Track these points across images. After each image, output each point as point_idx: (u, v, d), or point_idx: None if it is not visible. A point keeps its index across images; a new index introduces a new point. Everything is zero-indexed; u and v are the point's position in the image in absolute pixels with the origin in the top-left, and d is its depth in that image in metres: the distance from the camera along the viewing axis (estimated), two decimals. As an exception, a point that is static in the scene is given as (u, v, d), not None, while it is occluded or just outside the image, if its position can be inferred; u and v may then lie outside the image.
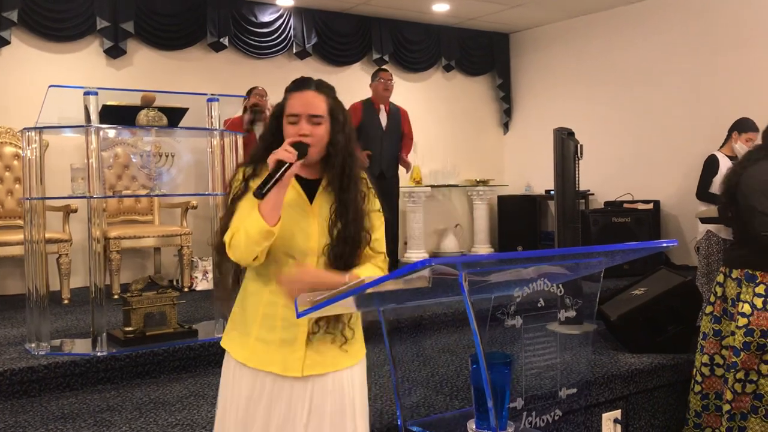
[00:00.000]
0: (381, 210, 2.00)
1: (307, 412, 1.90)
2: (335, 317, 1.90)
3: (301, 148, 1.82)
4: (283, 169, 1.77)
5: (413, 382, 3.13)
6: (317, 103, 1.90)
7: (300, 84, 1.94)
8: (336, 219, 1.89)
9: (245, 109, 5.78)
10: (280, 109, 1.95)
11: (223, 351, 2.02)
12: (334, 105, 1.94)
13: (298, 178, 1.91)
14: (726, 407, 3.44)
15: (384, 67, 6.54)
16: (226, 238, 1.86)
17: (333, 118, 1.92)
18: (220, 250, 1.90)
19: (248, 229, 1.79)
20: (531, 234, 7.74)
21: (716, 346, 3.57)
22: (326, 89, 1.95)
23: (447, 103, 8.15)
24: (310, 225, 1.90)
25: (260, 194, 1.76)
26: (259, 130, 5.76)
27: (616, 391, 3.70)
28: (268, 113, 5.70)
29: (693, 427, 3.69)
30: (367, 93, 6.20)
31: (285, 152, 1.79)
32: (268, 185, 1.76)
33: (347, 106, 2.04)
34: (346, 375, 1.96)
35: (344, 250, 1.88)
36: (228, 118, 5.66)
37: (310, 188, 1.94)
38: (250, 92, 5.83)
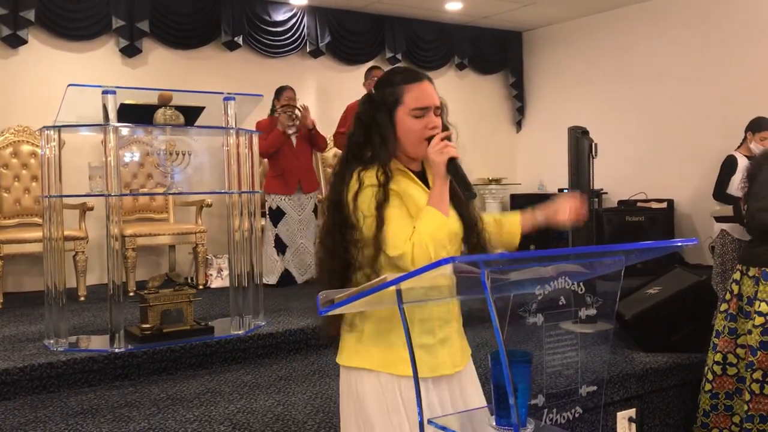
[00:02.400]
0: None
1: (476, 395, 1.92)
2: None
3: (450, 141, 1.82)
4: (458, 163, 1.77)
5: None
6: (436, 95, 1.87)
7: (416, 76, 1.87)
8: (460, 206, 1.87)
9: (273, 110, 5.81)
10: (393, 101, 1.84)
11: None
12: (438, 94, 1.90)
13: (411, 172, 1.87)
14: (744, 407, 3.41)
15: (376, 65, 6.53)
16: (406, 249, 1.71)
17: (443, 108, 1.90)
18: (370, 267, 1.77)
19: (435, 235, 1.72)
20: (544, 233, 7.62)
21: (731, 344, 3.54)
22: (431, 80, 1.91)
23: (460, 102, 8.14)
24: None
25: (473, 194, 1.76)
26: (291, 129, 5.76)
27: (631, 390, 3.70)
28: (300, 115, 5.72)
29: (700, 426, 3.66)
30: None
31: (452, 149, 1.78)
32: (463, 182, 1.75)
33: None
34: (471, 362, 2.00)
35: (478, 239, 1.87)
36: (259, 120, 5.71)
37: (424, 182, 1.89)
38: (279, 93, 5.84)
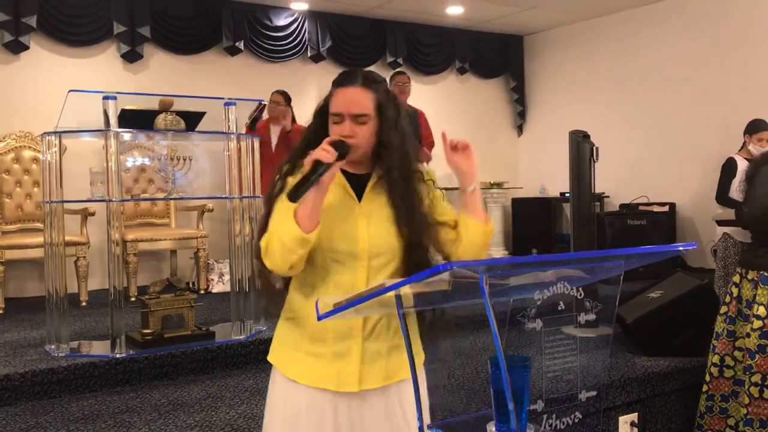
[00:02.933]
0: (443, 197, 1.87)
1: (374, 419, 1.78)
2: (387, 322, 1.77)
3: (341, 148, 1.67)
4: (320, 170, 1.63)
5: (432, 384, 3.15)
6: (362, 101, 1.73)
7: (344, 79, 1.77)
8: (400, 224, 1.75)
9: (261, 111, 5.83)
10: (324, 104, 1.79)
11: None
12: (384, 100, 1.76)
13: (344, 173, 1.77)
14: (743, 411, 3.40)
15: (399, 69, 6.56)
16: (262, 243, 1.71)
17: (382, 116, 1.75)
18: (258, 255, 1.75)
19: (282, 237, 1.65)
20: (545, 237, 7.73)
21: (728, 346, 3.53)
22: (374, 83, 1.76)
23: (461, 106, 8.16)
24: (358, 226, 1.75)
25: (294, 197, 1.63)
26: (275, 132, 5.78)
27: (633, 394, 3.69)
28: (284, 115, 5.73)
29: (696, 428, 3.65)
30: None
31: (323, 152, 1.64)
32: (303, 187, 1.62)
33: None
34: (407, 386, 1.76)
35: (417, 258, 1.74)
36: (259, 124, 5.73)
37: (358, 184, 1.78)
38: (272, 95, 5.88)
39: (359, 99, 1.74)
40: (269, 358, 1.88)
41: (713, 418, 3.57)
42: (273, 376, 1.86)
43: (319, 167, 1.63)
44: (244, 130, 5.64)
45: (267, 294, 1.89)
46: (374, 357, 1.77)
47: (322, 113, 1.80)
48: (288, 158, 1.84)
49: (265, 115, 5.83)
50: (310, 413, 1.76)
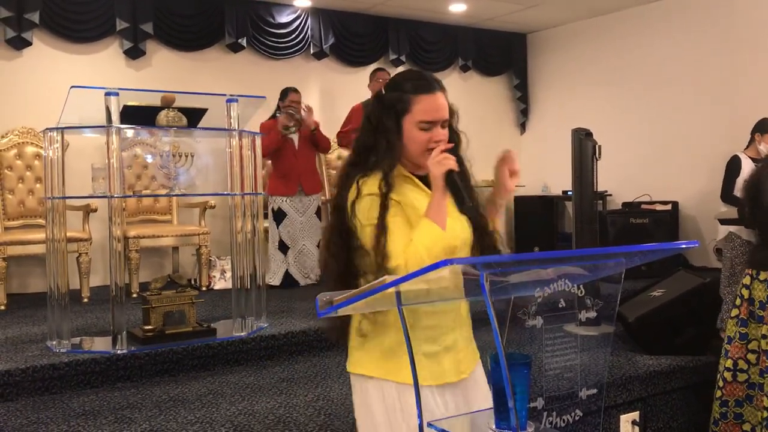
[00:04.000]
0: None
1: (482, 401, 1.84)
2: (465, 308, 1.88)
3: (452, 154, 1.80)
4: (456, 177, 1.76)
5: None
6: (446, 107, 1.84)
7: (429, 85, 1.83)
8: (472, 212, 1.84)
9: (277, 111, 5.81)
10: (402, 108, 1.81)
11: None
12: (449, 101, 1.87)
13: (415, 175, 1.86)
14: (764, 414, 3.31)
15: (381, 67, 6.52)
16: (400, 261, 1.69)
17: (451, 116, 1.88)
18: (376, 275, 1.70)
19: (431, 248, 1.69)
20: (548, 235, 7.72)
21: (742, 350, 3.46)
22: (444, 87, 1.87)
23: (463, 104, 7.97)
24: (453, 222, 1.81)
25: (467, 209, 1.79)
26: (294, 135, 5.76)
27: (634, 392, 3.68)
28: (303, 117, 5.70)
29: None
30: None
31: (451, 162, 1.76)
32: (465, 196, 1.77)
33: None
34: (480, 366, 1.96)
35: (485, 240, 1.87)
36: (264, 122, 5.71)
37: (426, 185, 1.85)
38: (284, 95, 5.83)
39: (445, 105, 1.84)
40: (362, 370, 1.84)
41: (728, 425, 3.50)
42: (378, 388, 1.82)
43: (453, 176, 1.76)
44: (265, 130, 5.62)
45: (334, 326, 1.89)
46: (467, 341, 1.91)
47: (397, 118, 1.81)
48: (370, 173, 1.80)
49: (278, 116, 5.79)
50: (440, 409, 1.80)
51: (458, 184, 1.77)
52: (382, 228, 1.74)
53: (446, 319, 1.83)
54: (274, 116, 5.83)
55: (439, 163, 1.75)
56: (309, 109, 5.79)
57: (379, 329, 1.81)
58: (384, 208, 1.75)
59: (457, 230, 1.82)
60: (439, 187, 1.76)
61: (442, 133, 1.82)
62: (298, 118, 5.70)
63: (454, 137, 1.90)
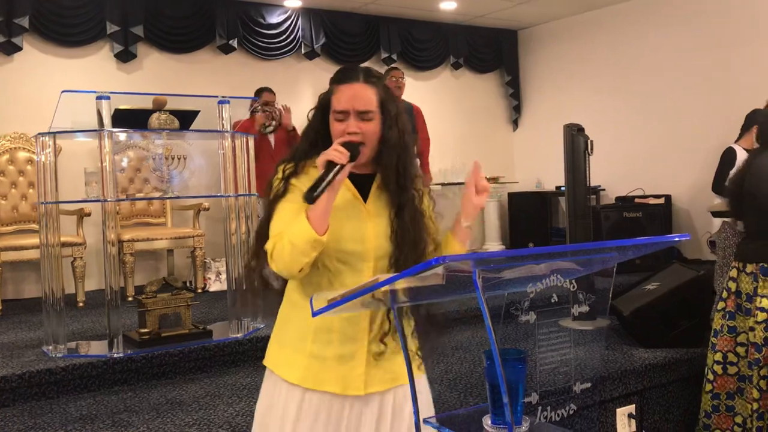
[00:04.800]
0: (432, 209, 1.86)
1: (370, 427, 1.76)
2: (389, 324, 1.74)
3: (352, 149, 1.66)
4: (334, 171, 1.62)
5: (428, 378, 3.17)
6: (367, 97, 1.71)
7: (347, 75, 1.75)
8: (396, 222, 1.73)
9: (253, 111, 5.80)
10: (326, 102, 1.76)
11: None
12: (385, 96, 1.75)
13: (349, 174, 1.73)
14: (753, 405, 3.35)
15: (394, 65, 6.55)
16: (268, 246, 1.68)
17: (384, 112, 1.73)
18: (258, 256, 1.72)
19: (294, 239, 1.62)
20: (542, 230, 7.73)
21: (730, 342, 3.49)
22: (375, 79, 1.75)
23: (456, 101, 8.16)
24: (365, 226, 1.73)
25: (311, 198, 1.60)
26: (271, 135, 5.77)
27: (630, 386, 3.70)
28: (279, 114, 5.71)
29: (702, 428, 3.63)
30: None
31: (336, 153, 1.62)
32: (320, 188, 1.61)
33: None
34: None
35: (408, 255, 1.71)
36: (237, 121, 5.69)
37: (362, 185, 1.77)
38: (259, 94, 5.85)
39: (364, 95, 1.72)
40: (266, 362, 1.84)
41: (720, 417, 3.53)
42: (269, 379, 1.83)
43: (332, 168, 1.62)
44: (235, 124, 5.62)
45: (264, 294, 1.88)
46: (379, 360, 1.76)
47: (323, 111, 1.78)
48: (289, 158, 1.80)
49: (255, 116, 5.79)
50: (311, 416, 1.74)
51: (324, 176, 1.62)
52: (270, 210, 1.74)
53: (343, 325, 1.73)
54: (251, 115, 5.83)
55: (325, 154, 1.64)
56: (287, 109, 5.79)
57: (279, 318, 1.83)
58: (283, 192, 1.73)
59: (361, 236, 1.73)
60: (323, 178, 1.64)
61: (356, 125, 1.70)
62: (276, 116, 5.71)
63: (392, 138, 1.75)
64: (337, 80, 1.76)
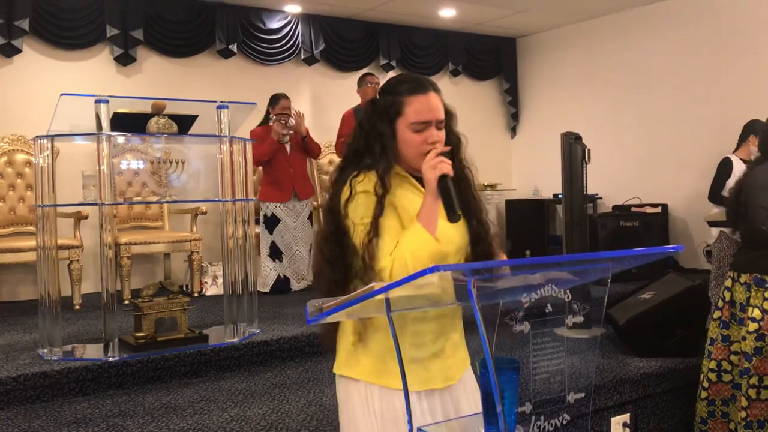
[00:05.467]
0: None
1: (470, 406, 1.86)
2: (454, 314, 1.85)
3: (448, 157, 1.75)
4: (450, 182, 1.70)
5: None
6: (441, 107, 1.81)
7: (421, 86, 1.80)
8: (465, 219, 1.81)
9: (267, 118, 5.81)
10: (395, 111, 1.79)
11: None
12: (445, 103, 1.84)
13: (413, 176, 1.82)
14: (742, 414, 3.39)
15: (370, 72, 6.54)
16: (385, 264, 1.69)
17: (448, 118, 1.84)
18: (365, 277, 1.72)
19: (416, 253, 1.66)
20: (539, 238, 7.74)
21: (724, 351, 3.53)
22: (438, 88, 1.84)
23: (454, 108, 8.16)
24: (445, 225, 1.76)
25: (457, 216, 1.68)
26: (286, 139, 5.77)
27: (625, 395, 3.70)
28: (295, 123, 5.72)
29: None
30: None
31: (446, 165, 1.71)
32: (455, 203, 1.68)
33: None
34: (469, 372, 1.95)
35: (485, 249, 1.84)
36: (255, 128, 5.71)
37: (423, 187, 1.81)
38: (274, 101, 5.82)
39: (439, 105, 1.81)
40: (355, 374, 1.83)
41: (716, 423, 3.57)
42: (357, 391, 1.83)
43: (446, 181, 1.70)
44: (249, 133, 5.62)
45: (327, 328, 1.90)
46: (456, 347, 1.89)
47: (390, 120, 1.79)
48: (363, 172, 1.78)
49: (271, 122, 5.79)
50: (424, 415, 1.80)
51: (449, 190, 1.70)
52: (374, 228, 1.72)
53: (433, 325, 1.81)
54: (264, 123, 5.83)
55: (433, 167, 1.71)
56: (300, 116, 5.80)
57: (370, 332, 1.81)
58: (379, 208, 1.74)
59: (450, 236, 1.79)
60: (431, 191, 1.72)
61: (437, 135, 1.78)
62: (291, 125, 5.72)
63: (453, 140, 1.87)
64: (410, 91, 1.79)
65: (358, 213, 1.75)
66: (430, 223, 1.71)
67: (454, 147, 1.85)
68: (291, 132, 5.75)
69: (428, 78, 1.87)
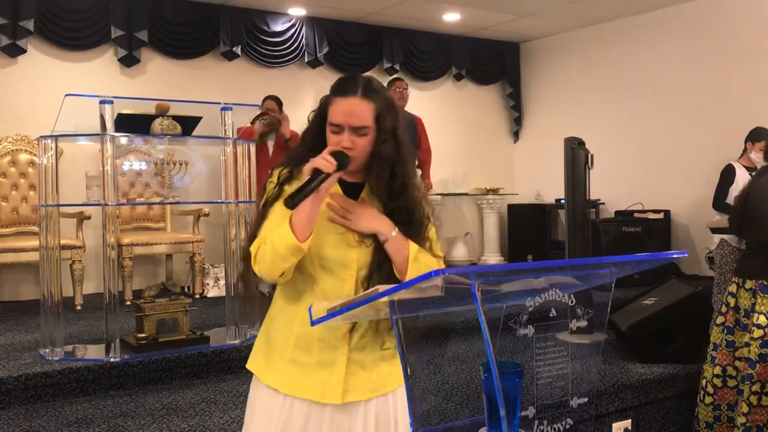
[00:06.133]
0: (430, 215, 1.82)
1: None
2: (374, 332, 1.74)
3: (341, 159, 1.66)
4: (319, 179, 1.61)
5: (424, 390, 3.14)
6: (362, 113, 1.69)
7: (344, 88, 1.72)
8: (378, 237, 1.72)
9: (254, 120, 5.82)
10: (323, 110, 1.75)
11: (248, 372, 1.83)
12: (383, 110, 1.72)
13: (339, 181, 1.73)
14: (741, 419, 3.40)
15: (397, 75, 6.57)
16: (252, 249, 1.69)
17: (379, 126, 1.71)
18: (245, 259, 1.73)
19: (275, 243, 1.64)
20: (541, 243, 7.73)
21: (729, 357, 3.53)
22: (374, 93, 1.72)
23: (457, 112, 8.18)
24: (349, 234, 1.72)
25: (292, 204, 1.60)
26: (270, 138, 5.79)
27: (627, 401, 3.70)
28: (281, 122, 5.72)
29: None
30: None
31: (324, 161, 1.62)
32: (300, 195, 1.60)
33: None
34: (391, 400, 1.78)
35: (389, 268, 1.71)
36: (240, 127, 5.70)
37: (352, 193, 1.77)
38: (263, 102, 5.86)
39: (359, 111, 1.69)
40: (249, 365, 1.84)
41: (722, 426, 3.58)
42: (254, 383, 1.83)
43: (318, 176, 1.62)
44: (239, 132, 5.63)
45: (251, 299, 1.91)
46: (360, 368, 1.75)
47: (320, 118, 1.77)
48: (285, 163, 1.81)
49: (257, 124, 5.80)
50: (290, 423, 1.73)
51: (306, 186, 1.61)
52: (261, 214, 1.74)
53: (323, 332, 1.71)
54: (254, 123, 5.84)
55: (313, 160, 1.64)
56: (284, 118, 5.81)
57: (264, 324, 1.82)
58: (275, 196, 1.74)
59: (334, 241, 1.72)
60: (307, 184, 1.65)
61: (350, 140, 1.69)
62: (272, 122, 5.71)
63: (388, 148, 1.72)
64: (335, 91, 1.74)
65: (262, 200, 1.78)
66: (299, 219, 1.63)
67: (390, 157, 1.73)
68: (270, 131, 5.73)
69: (367, 79, 1.76)
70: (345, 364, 1.73)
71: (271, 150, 5.81)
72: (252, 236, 1.75)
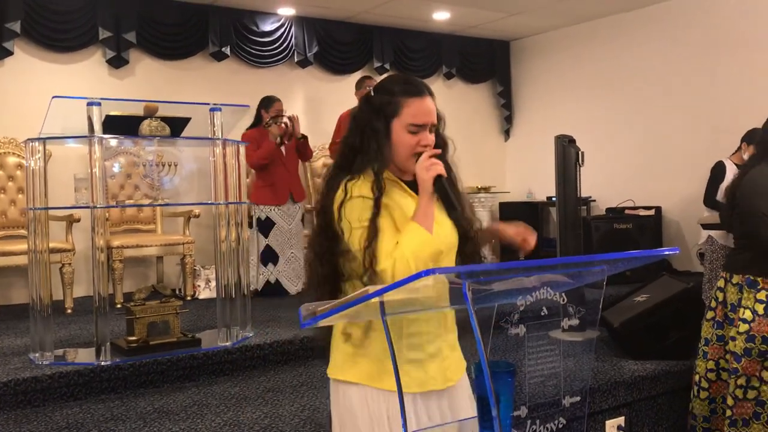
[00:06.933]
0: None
1: (468, 409, 1.85)
2: (452, 314, 1.87)
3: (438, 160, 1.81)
4: (446, 183, 1.78)
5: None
6: (434, 111, 1.86)
7: (418, 89, 1.84)
8: (454, 218, 1.85)
9: (258, 120, 5.78)
10: (392, 111, 1.81)
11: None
12: (436, 107, 1.88)
13: (402, 181, 1.85)
14: (728, 413, 3.44)
15: (368, 75, 6.54)
16: (386, 266, 1.68)
17: (439, 122, 1.90)
18: (365, 278, 1.72)
19: (417, 251, 1.68)
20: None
21: (720, 350, 3.56)
22: (432, 92, 1.89)
23: (448, 111, 7.92)
24: (437, 227, 1.80)
25: (458, 212, 1.80)
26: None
27: (620, 398, 3.70)
28: (292, 125, 5.70)
29: None
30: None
31: (441, 168, 1.77)
32: (454, 200, 1.78)
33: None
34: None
35: (471, 247, 1.88)
36: (245, 132, 5.67)
37: (413, 190, 1.84)
38: (267, 104, 5.80)
39: (433, 109, 1.85)
40: (353, 377, 1.82)
41: (718, 419, 3.61)
42: (357, 395, 1.81)
43: (441, 181, 1.76)
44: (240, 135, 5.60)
45: (321, 331, 1.89)
46: (452, 349, 1.89)
47: (386, 120, 1.81)
48: (368, 174, 1.79)
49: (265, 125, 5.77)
50: (425, 417, 1.81)
51: (446, 189, 1.78)
52: (373, 230, 1.72)
53: (430, 326, 1.82)
54: (255, 125, 5.80)
55: (428, 168, 1.76)
56: (296, 119, 5.79)
57: (365, 335, 1.80)
58: (376, 210, 1.75)
59: (444, 235, 1.82)
60: (427, 192, 1.77)
61: (430, 138, 1.83)
62: (289, 128, 5.69)
63: (440, 142, 1.91)
64: (409, 93, 1.82)
65: (355, 215, 1.74)
66: (428, 223, 1.74)
67: (443, 149, 1.89)
68: (287, 134, 5.72)
69: (424, 81, 1.90)
70: (446, 347, 1.86)
71: (285, 151, 5.79)
72: (369, 253, 1.72)
